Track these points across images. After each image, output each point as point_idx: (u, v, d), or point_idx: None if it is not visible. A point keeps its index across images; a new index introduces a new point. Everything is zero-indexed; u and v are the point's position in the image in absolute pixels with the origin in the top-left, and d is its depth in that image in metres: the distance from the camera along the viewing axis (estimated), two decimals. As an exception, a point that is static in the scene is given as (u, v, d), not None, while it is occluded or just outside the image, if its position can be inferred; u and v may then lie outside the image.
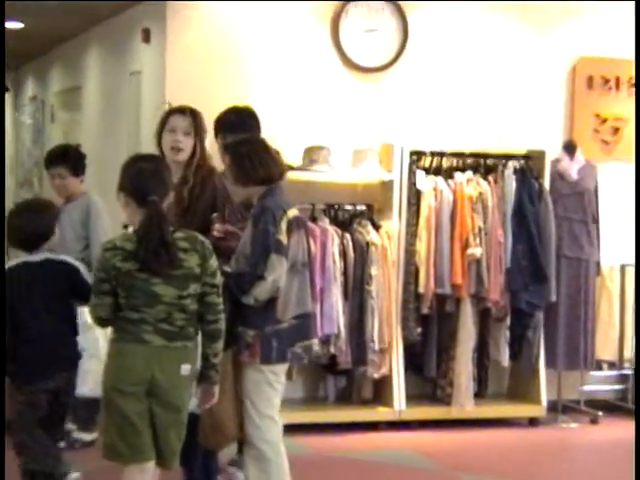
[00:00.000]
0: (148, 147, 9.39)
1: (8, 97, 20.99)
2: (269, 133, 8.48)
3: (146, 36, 10.31)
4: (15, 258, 6.88)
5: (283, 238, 6.33)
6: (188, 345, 5.70)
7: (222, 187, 6.99)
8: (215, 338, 5.76)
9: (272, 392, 6.44)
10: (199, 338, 5.78)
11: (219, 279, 5.80)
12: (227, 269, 6.34)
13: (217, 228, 6.81)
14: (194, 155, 6.93)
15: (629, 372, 10.43)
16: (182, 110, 7.32)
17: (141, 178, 5.75)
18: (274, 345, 6.32)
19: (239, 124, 7.72)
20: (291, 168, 8.83)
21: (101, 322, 5.86)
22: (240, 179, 6.51)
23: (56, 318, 6.71)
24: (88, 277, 6.70)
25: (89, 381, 7.54)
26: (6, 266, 6.78)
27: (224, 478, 7.50)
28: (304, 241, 6.58)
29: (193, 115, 7.19)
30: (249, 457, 6.46)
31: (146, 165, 5.93)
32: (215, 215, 6.97)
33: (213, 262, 5.73)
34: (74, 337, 6.94)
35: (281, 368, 6.53)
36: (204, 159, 7.03)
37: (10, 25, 13.59)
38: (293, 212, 6.52)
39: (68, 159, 8.82)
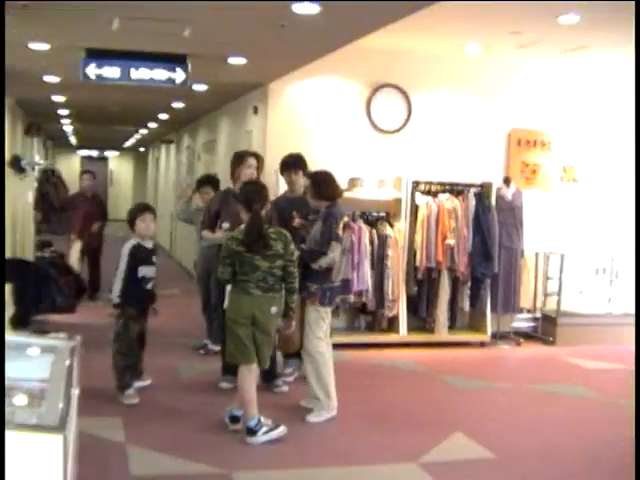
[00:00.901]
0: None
1: (173, 146, 20.98)
2: (328, 168, 9.57)
3: (255, 110, 10.90)
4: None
5: (340, 233, 6.91)
6: (276, 296, 6.24)
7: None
8: (292, 292, 6.32)
9: (323, 323, 6.86)
10: (283, 292, 6.31)
11: (295, 256, 6.31)
12: (302, 247, 6.85)
13: (297, 222, 7.47)
14: None
15: (538, 315, 10.76)
16: (254, 154, 8.10)
17: (248, 194, 6.36)
18: (327, 295, 6.84)
19: (294, 162, 8.01)
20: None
21: (225, 282, 6.37)
22: (316, 195, 7.00)
23: None
24: None
25: None
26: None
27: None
28: (347, 236, 7.29)
29: (257, 158, 7.99)
30: (307, 362, 6.88)
31: (251, 187, 6.57)
32: (294, 214, 7.52)
33: (292, 246, 6.28)
34: None
35: (329, 309, 6.95)
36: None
37: (177, 105, 14.23)
38: (344, 219, 7.13)
39: (212, 182, 9.38)
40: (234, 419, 6.40)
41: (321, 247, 6.80)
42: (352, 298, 8.06)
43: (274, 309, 6.23)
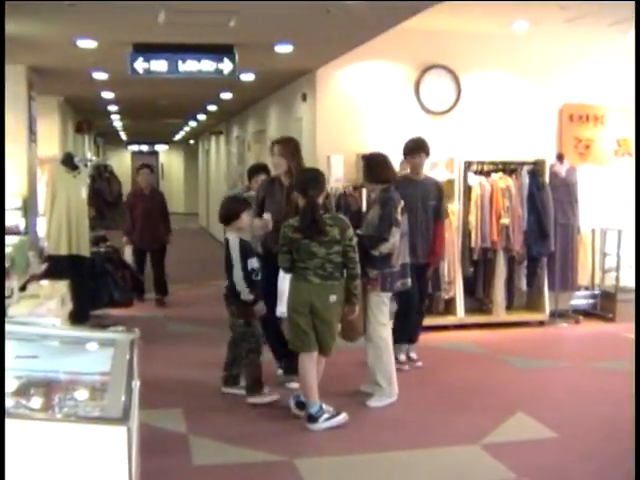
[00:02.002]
0: (308, 164, 10.41)
1: (222, 137, 21.14)
2: (380, 151, 9.58)
3: (304, 97, 10.92)
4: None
5: (399, 217, 6.80)
6: (335, 284, 6.15)
7: None
8: (354, 278, 6.24)
9: (385, 308, 6.86)
10: (343, 280, 6.19)
11: (355, 241, 6.22)
12: (359, 232, 6.69)
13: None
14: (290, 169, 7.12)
15: (597, 292, 10.69)
16: (276, 141, 7.48)
17: (304, 181, 6.32)
18: (388, 280, 6.80)
19: (419, 146, 7.98)
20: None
21: (285, 269, 6.40)
22: (370, 179, 7.03)
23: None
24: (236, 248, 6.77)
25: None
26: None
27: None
28: (406, 220, 7.04)
29: (280, 142, 7.37)
30: (369, 347, 6.83)
31: (308, 174, 6.53)
32: None
33: (350, 231, 6.17)
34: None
35: (390, 294, 6.97)
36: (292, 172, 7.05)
37: (225, 96, 14.36)
38: (401, 203, 6.92)
39: (265, 170, 8.81)
40: (300, 404, 6.42)
41: (380, 233, 6.73)
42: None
43: (333, 297, 6.18)
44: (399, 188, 7.07)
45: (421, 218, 7.85)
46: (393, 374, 6.85)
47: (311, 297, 6.14)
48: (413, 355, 8.18)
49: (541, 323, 10.15)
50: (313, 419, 6.15)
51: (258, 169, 8.94)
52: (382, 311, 6.85)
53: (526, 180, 9.86)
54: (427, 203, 7.89)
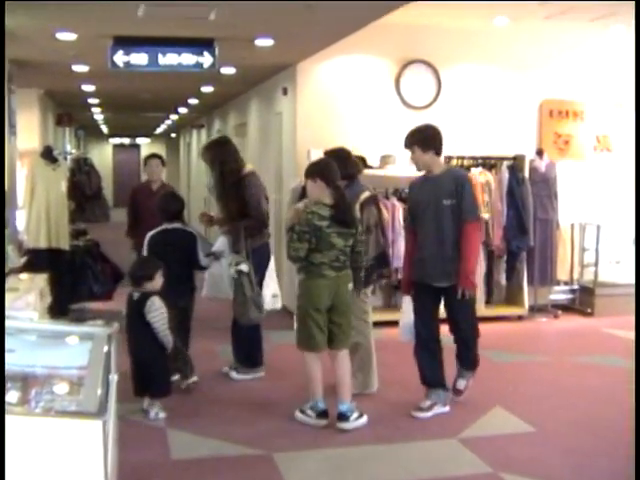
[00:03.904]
0: (288, 158, 10.46)
1: (204, 130, 21.33)
2: (359, 147, 9.55)
3: (284, 91, 10.87)
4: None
5: (357, 213, 6.51)
6: (348, 272, 6.11)
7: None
8: (361, 269, 6.31)
9: (366, 303, 6.87)
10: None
11: (363, 236, 6.27)
12: None
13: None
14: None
15: (576, 287, 10.78)
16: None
17: (332, 170, 6.15)
18: (360, 276, 6.43)
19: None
20: (371, 167, 9.40)
21: (297, 259, 6.04)
22: None
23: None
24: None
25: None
26: None
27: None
28: (374, 211, 6.75)
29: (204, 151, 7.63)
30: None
31: (332, 164, 6.27)
32: None
33: (359, 226, 6.24)
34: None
35: (368, 290, 6.88)
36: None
37: (206, 89, 14.28)
38: (365, 195, 6.73)
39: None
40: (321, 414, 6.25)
41: None
42: (388, 272, 7.61)
43: (350, 286, 6.19)
44: (412, 190, 6.74)
45: (430, 226, 6.35)
46: (371, 367, 6.92)
47: (330, 292, 6.09)
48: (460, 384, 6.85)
49: (520, 318, 10.20)
50: (345, 418, 6.09)
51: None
52: (362, 308, 6.82)
53: (506, 175, 9.91)
54: (440, 204, 6.27)
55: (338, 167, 6.44)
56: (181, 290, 6.82)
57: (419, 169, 6.61)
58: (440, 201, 6.24)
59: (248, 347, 7.48)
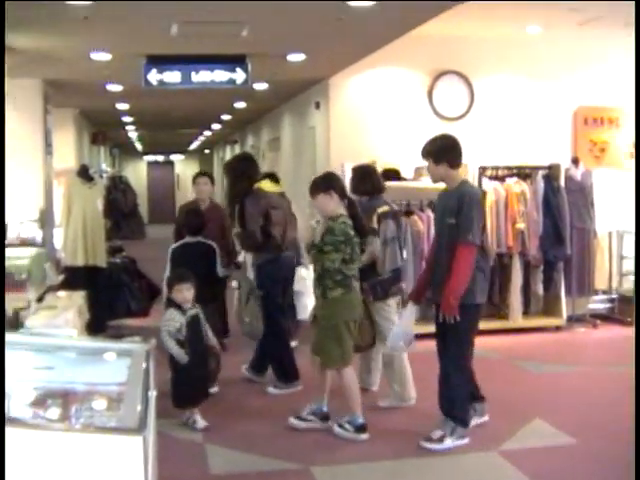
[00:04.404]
0: (321, 171, 10.37)
1: (238, 146, 21.18)
2: (393, 159, 9.58)
3: (317, 105, 11.02)
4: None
5: (375, 225, 6.73)
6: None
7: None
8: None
9: (391, 315, 6.83)
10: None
11: None
12: None
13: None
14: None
15: (614, 296, 10.60)
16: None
17: (342, 185, 6.24)
18: (378, 289, 6.72)
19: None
20: (405, 179, 9.40)
21: (332, 271, 5.95)
22: (351, 190, 6.96)
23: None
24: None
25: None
26: None
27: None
28: (391, 225, 6.82)
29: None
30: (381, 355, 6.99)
31: (337, 175, 6.49)
32: None
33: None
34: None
35: (389, 301, 6.89)
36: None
37: (239, 105, 14.39)
38: (383, 208, 6.86)
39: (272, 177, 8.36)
40: (324, 417, 6.35)
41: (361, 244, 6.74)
42: (407, 286, 7.50)
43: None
44: (435, 203, 6.71)
45: (439, 243, 6.14)
46: (406, 378, 6.89)
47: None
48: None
49: (558, 328, 10.07)
50: (363, 429, 6.14)
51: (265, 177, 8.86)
52: (387, 320, 6.83)
53: (541, 184, 9.83)
54: (444, 222, 6.01)
55: (364, 182, 6.90)
56: (202, 299, 6.78)
57: (433, 181, 6.28)
58: (444, 219, 5.99)
59: (277, 362, 7.56)
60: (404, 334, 6.21)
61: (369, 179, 7.03)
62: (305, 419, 6.30)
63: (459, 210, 5.82)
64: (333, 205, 6.05)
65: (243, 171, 7.47)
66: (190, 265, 7.06)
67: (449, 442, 5.92)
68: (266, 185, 7.65)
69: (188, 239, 7.70)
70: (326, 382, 6.34)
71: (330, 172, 6.80)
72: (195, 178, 9.21)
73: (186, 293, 6.30)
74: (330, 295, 6.02)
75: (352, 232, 6.00)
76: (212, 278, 7.57)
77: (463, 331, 5.91)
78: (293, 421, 6.32)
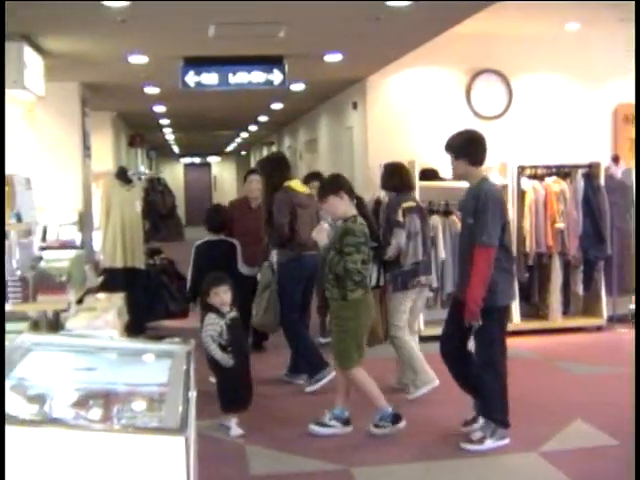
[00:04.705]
0: (360, 172, 10.52)
1: (274, 147, 21.03)
2: (430, 159, 9.49)
3: (354, 105, 11.02)
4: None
5: (400, 219, 7.01)
6: None
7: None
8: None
9: (401, 308, 7.05)
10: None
11: None
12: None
13: None
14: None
15: None
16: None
17: (350, 185, 6.28)
18: (399, 280, 7.00)
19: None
20: (444, 179, 9.23)
21: (355, 272, 5.92)
22: (381, 185, 7.59)
23: None
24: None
25: None
26: None
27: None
28: (416, 220, 7.06)
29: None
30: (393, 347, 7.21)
31: (346, 180, 6.39)
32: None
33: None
34: None
35: (408, 293, 7.09)
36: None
37: (275, 106, 14.44)
38: (408, 204, 7.10)
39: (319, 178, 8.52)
40: (346, 421, 6.34)
41: (383, 237, 7.10)
42: (424, 280, 7.36)
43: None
44: (460, 203, 6.63)
45: (462, 242, 6.26)
46: (419, 364, 7.04)
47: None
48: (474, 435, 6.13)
49: (599, 328, 9.97)
50: (398, 418, 6.17)
51: (313, 176, 8.93)
52: (398, 311, 7.07)
53: (581, 183, 9.77)
54: (465, 222, 6.07)
55: (392, 178, 7.26)
56: None
57: (454, 178, 6.35)
58: (465, 218, 6.02)
59: (303, 357, 7.63)
60: None
61: (397, 175, 7.31)
62: (327, 425, 6.27)
63: (475, 210, 5.76)
64: (344, 206, 6.04)
65: (274, 169, 7.65)
66: (213, 263, 7.36)
67: (489, 443, 5.89)
68: (296, 184, 7.73)
69: (210, 237, 7.92)
70: (346, 385, 6.32)
71: (337, 174, 6.81)
72: (246, 175, 9.17)
73: (223, 296, 6.31)
74: (351, 297, 5.99)
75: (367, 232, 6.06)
76: (235, 276, 7.42)
77: (488, 334, 5.82)
78: (314, 427, 6.26)
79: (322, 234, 6.19)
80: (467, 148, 5.99)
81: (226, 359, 6.11)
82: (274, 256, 7.65)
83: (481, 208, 5.69)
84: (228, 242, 7.92)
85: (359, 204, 6.21)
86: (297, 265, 7.50)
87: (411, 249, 7.02)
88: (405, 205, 7.07)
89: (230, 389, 6.20)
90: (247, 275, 7.91)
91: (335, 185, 6.15)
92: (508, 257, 5.90)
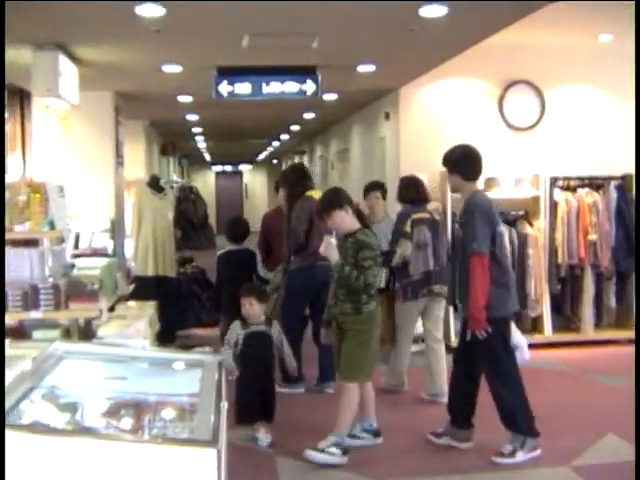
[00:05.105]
0: (390, 182, 10.45)
1: (306, 156, 21.26)
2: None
3: (387, 116, 10.98)
4: None
5: (407, 229, 7.23)
6: None
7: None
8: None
9: (408, 317, 7.33)
10: None
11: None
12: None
13: None
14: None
15: None
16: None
17: (350, 197, 6.04)
18: (409, 289, 7.19)
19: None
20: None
21: (374, 285, 5.89)
22: (397, 198, 7.67)
23: None
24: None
25: None
26: None
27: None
28: (425, 231, 7.22)
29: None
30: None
31: (346, 193, 6.15)
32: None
33: None
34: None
35: (419, 302, 7.30)
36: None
37: (308, 116, 14.48)
38: (419, 215, 7.31)
39: (381, 188, 8.58)
40: (376, 433, 6.30)
41: (391, 245, 7.36)
42: (440, 289, 7.42)
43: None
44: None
45: (455, 255, 6.29)
46: (436, 374, 7.37)
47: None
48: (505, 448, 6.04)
49: (632, 341, 9.48)
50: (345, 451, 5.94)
51: (373, 186, 8.74)
52: (404, 319, 7.41)
53: (614, 195, 9.73)
54: (458, 236, 6.11)
55: (409, 191, 7.48)
56: None
57: (451, 190, 6.62)
58: (459, 233, 6.05)
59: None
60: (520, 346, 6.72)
61: (414, 188, 7.53)
62: (358, 437, 6.20)
63: (465, 221, 5.87)
64: (350, 220, 5.91)
65: (297, 179, 7.89)
66: (232, 272, 7.84)
67: (521, 455, 5.85)
68: (316, 194, 7.63)
69: (232, 246, 8.30)
70: (372, 396, 6.23)
71: (336, 188, 6.69)
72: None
73: (248, 307, 6.28)
74: (366, 309, 5.87)
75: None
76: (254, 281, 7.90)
77: (491, 348, 5.86)
78: (347, 440, 6.07)
79: (332, 251, 5.91)
80: (461, 163, 6.09)
81: (232, 366, 5.99)
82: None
83: (469, 218, 5.80)
84: (247, 250, 8.25)
85: (359, 215, 6.04)
86: (307, 274, 7.52)
87: (421, 259, 7.20)
88: (415, 216, 7.29)
89: (238, 402, 6.03)
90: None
91: (339, 199, 5.97)
92: (501, 270, 5.88)
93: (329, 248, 5.91)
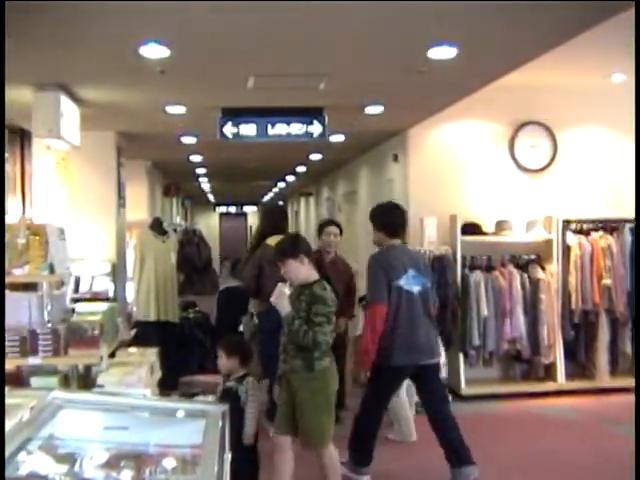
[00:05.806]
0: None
1: (312, 198, 21.34)
2: (473, 213, 9.44)
3: (395, 157, 10.96)
4: None
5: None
6: None
7: None
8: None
9: None
10: None
11: None
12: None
13: None
14: None
15: None
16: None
17: (309, 246, 5.84)
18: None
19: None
20: (486, 234, 9.42)
21: (325, 343, 5.53)
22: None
23: None
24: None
25: None
26: None
27: None
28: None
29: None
30: None
31: (304, 241, 5.94)
32: None
33: None
34: None
35: None
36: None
37: (314, 157, 14.49)
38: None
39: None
40: None
41: None
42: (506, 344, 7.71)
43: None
44: None
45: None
46: (400, 417, 7.65)
47: None
48: None
49: None
50: None
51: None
52: None
53: (629, 238, 9.74)
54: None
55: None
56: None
57: (376, 245, 6.75)
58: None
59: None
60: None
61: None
62: None
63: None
64: (305, 270, 5.67)
65: (267, 221, 8.12)
66: (229, 307, 8.47)
67: (346, 472, 6.36)
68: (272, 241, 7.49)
69: (230, 283, 9.14)
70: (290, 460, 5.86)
71: (295, 234, 6.71)
72: (321, 228, 8.86)
73: (220, 361, 6.20)
74: (319, 366, 5.57)
75: None
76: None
77: (376, 387, 6.51)
78: None
79: (284, 300, 5.63)
80: (382, 220, 6.62)
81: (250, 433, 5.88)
82: (251, 307, 8.06)
83: (367, 271, 6.42)
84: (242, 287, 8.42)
85: (319, 263, 5.98)
86: (270, 317, 7.00)
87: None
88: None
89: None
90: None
91: (294, 248, 5.72)
92: (401, 320, 6.29)
93: (280, 297, 5.64)
